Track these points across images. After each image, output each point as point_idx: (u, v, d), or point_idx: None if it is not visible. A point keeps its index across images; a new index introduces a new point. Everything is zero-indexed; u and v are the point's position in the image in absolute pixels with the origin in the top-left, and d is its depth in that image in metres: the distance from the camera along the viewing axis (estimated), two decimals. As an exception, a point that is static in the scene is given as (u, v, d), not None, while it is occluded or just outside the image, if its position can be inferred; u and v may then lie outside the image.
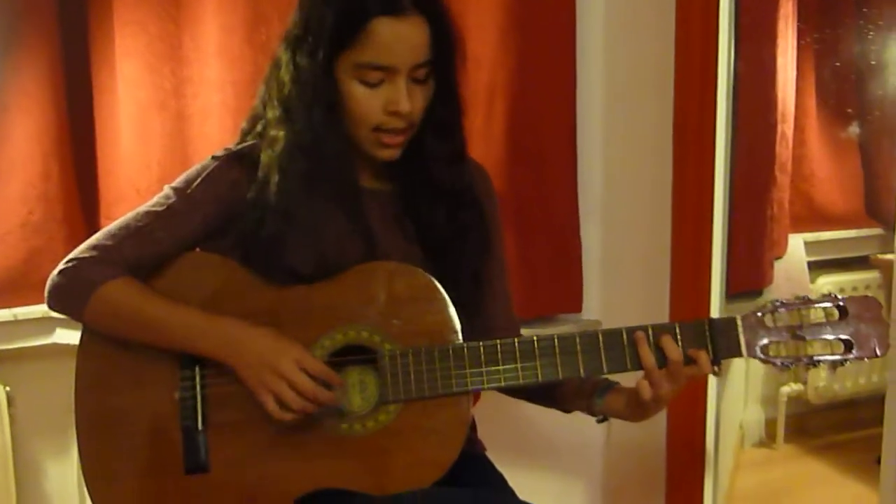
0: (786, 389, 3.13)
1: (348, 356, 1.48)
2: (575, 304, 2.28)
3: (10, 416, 2.21)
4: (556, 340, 1.45)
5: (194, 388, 1.46)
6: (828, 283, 2.99)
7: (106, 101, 2.18)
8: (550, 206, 2.24)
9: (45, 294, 1.49)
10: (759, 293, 2.40)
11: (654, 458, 2.23)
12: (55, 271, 1.48)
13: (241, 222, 1.47)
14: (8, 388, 2.21)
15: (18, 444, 2.23)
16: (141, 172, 2.16)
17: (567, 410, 1.60)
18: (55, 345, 2.21)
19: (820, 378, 3.09)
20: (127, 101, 2.15)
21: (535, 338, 1.46)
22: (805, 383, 3.11)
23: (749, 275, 2.34)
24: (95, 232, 2.21)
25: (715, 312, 2.01)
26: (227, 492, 1.45)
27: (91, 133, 2.21)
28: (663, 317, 2.13)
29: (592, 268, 2.32)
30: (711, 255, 2.00)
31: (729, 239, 2.04)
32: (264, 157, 1.47)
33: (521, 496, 1.51)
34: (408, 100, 1.43)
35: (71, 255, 1.48)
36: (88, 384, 1.49)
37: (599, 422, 1.55)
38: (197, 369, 1.47)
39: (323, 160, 1.46)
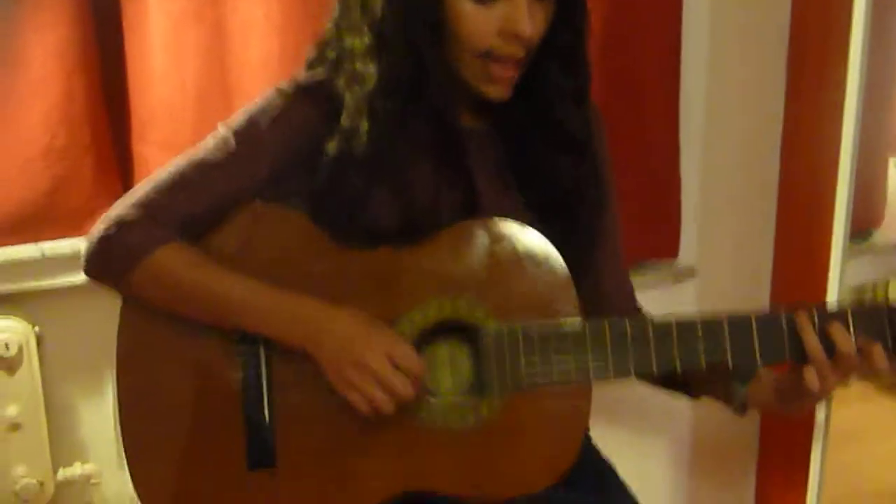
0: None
1: (442, 334, 1.20)
2: (671, 248, 1.99)
3: (40, 357, 1.98)
4: (699, 326, 1.16)
5: (258, 366, 1.18)
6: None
7: (135, 12, 1.88)
8: (649, 141, 1.91)
9: (83, 259, 1.21)
10: (867, 234, 2.09)
11: (748, 424, 1.98)
12: (94, 233, 1.19)
13: (313, 175, 1.17)
14: (37, 328, 1.97)
15: (49, 386, 2.01)
16: (175, 91, 1.88)
17: (694, 397, 1.31)
18: (87, 283, 1.96)
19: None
20: (158, 13, 1.85)
21: (673, 320, 1.17)
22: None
23: (861, 213, 2.01)
24: (126, 159, 1.96)
25: (836, 264, 1.70)
26: (297, 492, 1.18)
27: (119, 48, 1.92)
28: (766, 266, 1.85)
29: (690, 210, 2.01)
30: (834, 195, 1.67)
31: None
32: (349, 97, 1.16)
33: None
34: (530, 19, 1.12)
35: (112, 214, 1.19)
36: (132, 352, 1.21)
37: (739, 413, 1.27)
38: (261, 345, 1.19)
39: (424, 97, 1.15)
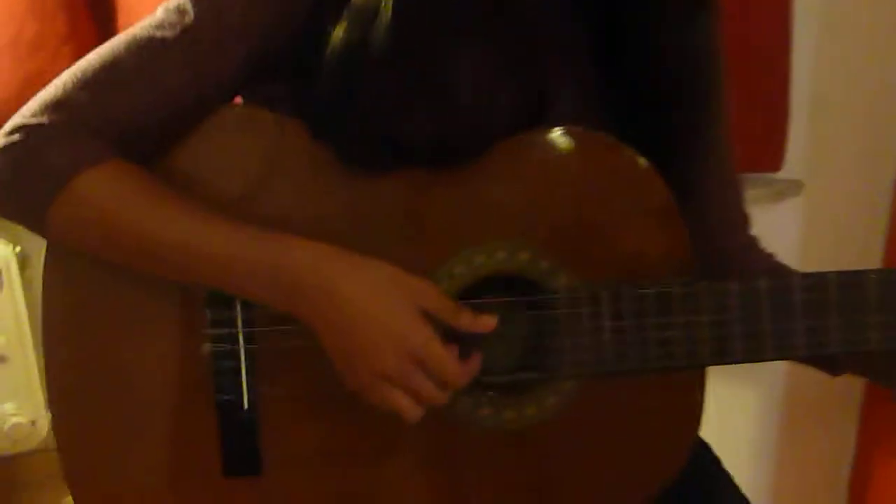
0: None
1: (493, 294, 0.83)
2: (774, 159, 1.59)
3: (24, 280, 1.66)
4: (869, 280, 0.78)
5: (234, 337, 0.83)
6: None
7: None
8: (755, 21, 1.50)
9: None
10: None
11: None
12: None
13: (309, 68, 0.79)
14: (19, 249, 1.65)
15: (37, 314, 1.71)
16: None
17: (835, 373, 0.94)
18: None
19: None
20: None
21: (833, 277, 0.78)
22: None
23: None
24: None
25: None
26: None
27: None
28: (887, 183, 1.46)
29: (798, 112, 1.61)
30: None
31: None
32: None
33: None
34: None
35: (17, 119, 0.79)
36: (63, 325, 0.86)
37: None
38: (238, 307, 0.83)
39: None
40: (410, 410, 0.77)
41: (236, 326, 0.82)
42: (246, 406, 0.82)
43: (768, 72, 1.57)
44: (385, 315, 0.75)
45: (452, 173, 0.80)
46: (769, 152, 1.59)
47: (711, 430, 1.00)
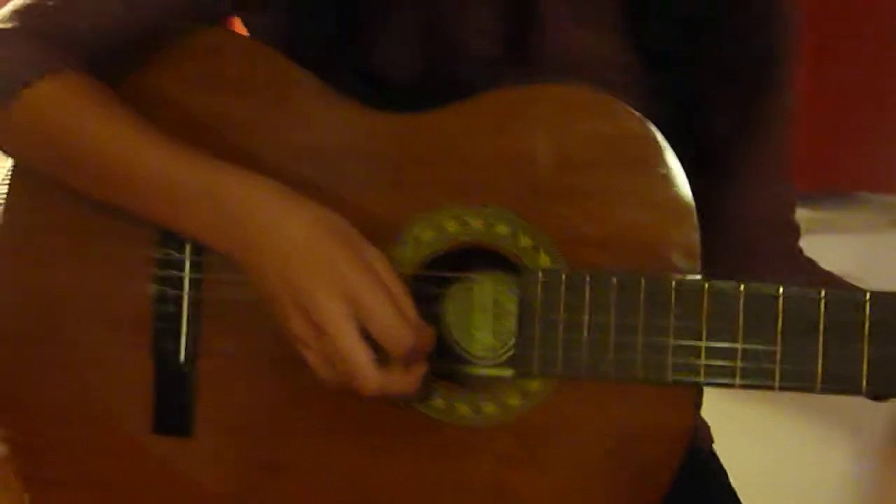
0: None
1: (460, 270, 0.72)
2: (887, 176, 1.38)
3: None
4: None
5: (180, 280, 0.74)
6: None
7: None
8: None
9: None
10: None
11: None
12: None
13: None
14: None
15: None
16: None
17: (881, 398, 0.75)
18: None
19: None
20: None
21: (868, 295, 0.63)
22: None
23: None
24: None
25: None
26: (219, 478, 0.75)
27: None
28: None
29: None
30: None
31: None
32: None
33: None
34: None
35: None
36: (9, 244, 0.78)
37: None
38: (188, 248, 0.74)
39: None
40: (343, 385, 0.65)
41: (184, 269, 0.74)
42: (182, 359, 0.74)
43: (880, 77, 1.36)
44: (326, 258, 0.64)
45: (437, 121, 0.69)
46: (886, 169, 1.39)
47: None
